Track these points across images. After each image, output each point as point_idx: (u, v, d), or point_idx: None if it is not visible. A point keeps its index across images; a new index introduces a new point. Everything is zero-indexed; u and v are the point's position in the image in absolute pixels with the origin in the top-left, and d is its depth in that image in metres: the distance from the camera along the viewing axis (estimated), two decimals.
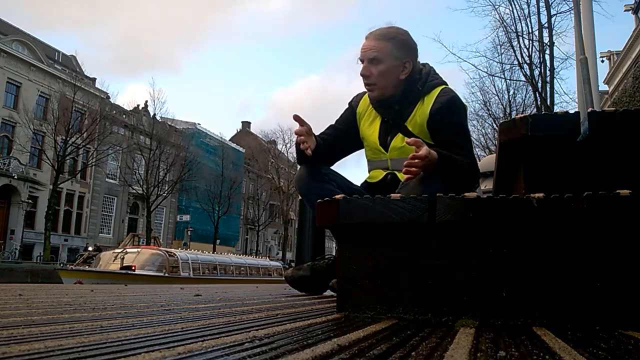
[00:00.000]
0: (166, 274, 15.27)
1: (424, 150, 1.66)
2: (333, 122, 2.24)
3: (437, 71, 2.09)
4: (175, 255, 16.57)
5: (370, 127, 2.11)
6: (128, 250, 16.43)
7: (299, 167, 2.19)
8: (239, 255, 27.97)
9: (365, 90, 2.07)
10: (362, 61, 2.02)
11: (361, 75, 2.01)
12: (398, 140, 2.01)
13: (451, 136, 1.90)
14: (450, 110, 1.92)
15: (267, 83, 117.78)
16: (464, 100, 2.09)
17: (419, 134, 1.95)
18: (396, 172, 2.01)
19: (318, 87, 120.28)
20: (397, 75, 1.99)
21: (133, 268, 14.82)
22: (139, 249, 16.82)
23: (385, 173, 2.07)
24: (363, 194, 1.97)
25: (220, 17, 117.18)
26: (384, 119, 2.07)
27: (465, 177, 1.85)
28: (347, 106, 2.23)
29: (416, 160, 1.65)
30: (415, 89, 1.99)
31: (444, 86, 2.00)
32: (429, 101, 1.96)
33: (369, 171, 2.16)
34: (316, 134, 2.13)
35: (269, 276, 22.11)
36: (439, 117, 1.92)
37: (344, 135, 2.18)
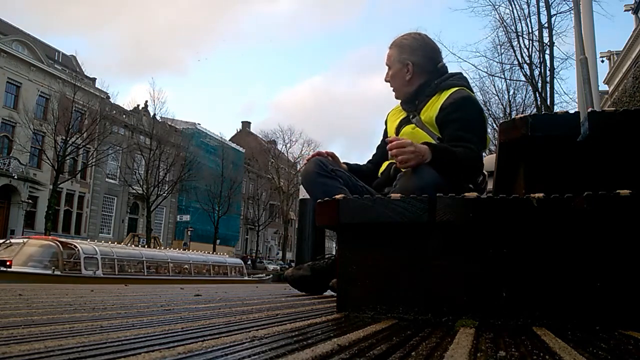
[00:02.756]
0: (57, 272, 11.97)
1: (402, 141, 1.76)
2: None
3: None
4: (76, 248, 12.94)
5: (393, 123, 2.25)
6: (13, 241, 13.51)
7: (305, 164, 2.23)
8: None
9: None
10: None
11: (385, 80, 2.25)
12: (409, 128, 2.10)
13: (456, 130, 1.94)
14: (460, 107, 1.98)
15: (270, 84, 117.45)
16: None
17: (429, 124, 2.04)
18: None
19: (321, 88, 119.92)
20: (402, 76, 2.16)
21: (8, 263, 11.74)
22: (25, 240, 13.54)
23: (388, 163, 2.11)
24: (365, 192, 1.99)
25: (225, 19, 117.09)
26: (407, 115, 2.19)
27: (465, 168, 1.89)
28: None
29: (396, 146, 1.73)
30: (431, 83, 2.11)
31: (461, 87, 2.07)
32: (443, 97, 2.04)
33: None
34: (329, 149, 2.28)
35: (224, 276, 17.96)
36: (447, 112, 1.98)
37: (383, 150, 2.28)
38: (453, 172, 1.81)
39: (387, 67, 2.22)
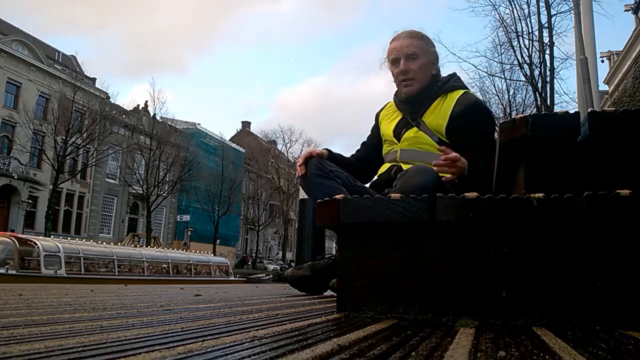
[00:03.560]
0: (11, 271, 10.81)
1: (454, 155, 1.73)
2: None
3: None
4: (36, 245, 11.75)
5: (389, 123, 2.18)
6: None
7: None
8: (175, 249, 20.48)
9: (402, 86, 2.10)
10: (396, 61, 2.08)
11: (401, 72, 2.06)
12: (411, 132, 2.05)
13: (473, 140, 1.92)
14: (472, 114, 1.96)
15: (271, 84, 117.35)
16: None
17: (433, 129, 2.00)
18: (402, 164, 2.03)
19: (323, 89, 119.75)
20: (430, 69, 2.08)
21: None
22: None
23: (389, 165, 2.09)
24: (364, 193, 1.99)
25: (227, 19, 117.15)
26: (404, 116, 2.12)
27: (481, 178, 1.85)
28: (374, 121, 2.32)
29: (449, 161, 1.71)
30: (435, 86, 2.06)
31: (466, 90, 2.06)
32: (450, 102, 2.01)
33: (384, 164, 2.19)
34: (331, 150, 2.22)
35: (208, 275, 16.87)
36: (460, 121, 1.96)
37: (374, 148, 2.25)
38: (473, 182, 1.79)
39: (405, 57, 2.04)
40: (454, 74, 2.15)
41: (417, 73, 2.05)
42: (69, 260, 12.49)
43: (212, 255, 21.07)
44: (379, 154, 2.22)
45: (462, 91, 2.03)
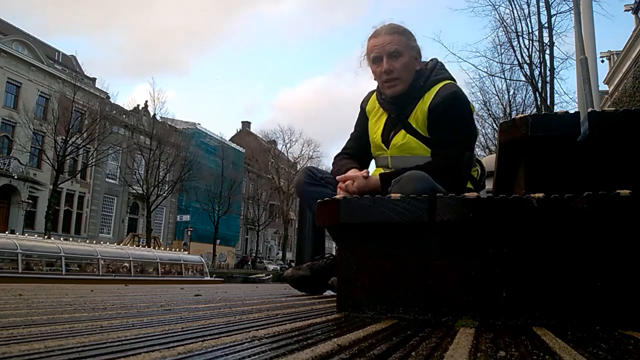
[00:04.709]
0: None
1: (356, 185, 1.86)
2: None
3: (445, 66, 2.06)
4: None
5: (376, 123, 2.09)
6: None
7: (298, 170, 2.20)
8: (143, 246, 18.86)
9: (386, 87, 1.99)
10: (377, 59, 1.97)
11: (384, 71, 1.95)
12: (399, 137, 1.98)
13: (443, 133, 1.88)
14: (449, 106, 1.89)
15: (272, 84, 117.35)
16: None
17: (421, 129, 1.95)
18: (394, 170, 2.00)
19: (324, 89, 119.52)
20: (414, 66, 1.98)
21: None
22: None
23: (380, 172, 2.06)
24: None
25: (228, 20, 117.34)
26: (390, 116, 2.04)
27: (440, 177, 1.74)
28: (359, 110, 2.22)
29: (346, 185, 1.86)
30: (418, 84, 1.96)
31: (447, 81, 1.96)
32: (429, 96, 1.93)
33: (375, 168, 2.15)
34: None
35: (179, 275, 15.39)
36: (436, 112, 1.89)
37: (365, 143, 2.14)
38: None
39: (388, 55, 1.93)
40: (436, 63, 2.03)
41: (401, 72, 1.93)
42: (4, 257, 11.13)
43: (186, 253, 19.34)
44: (369, 147, 2.14)
45: (442, 83, 1.95)
